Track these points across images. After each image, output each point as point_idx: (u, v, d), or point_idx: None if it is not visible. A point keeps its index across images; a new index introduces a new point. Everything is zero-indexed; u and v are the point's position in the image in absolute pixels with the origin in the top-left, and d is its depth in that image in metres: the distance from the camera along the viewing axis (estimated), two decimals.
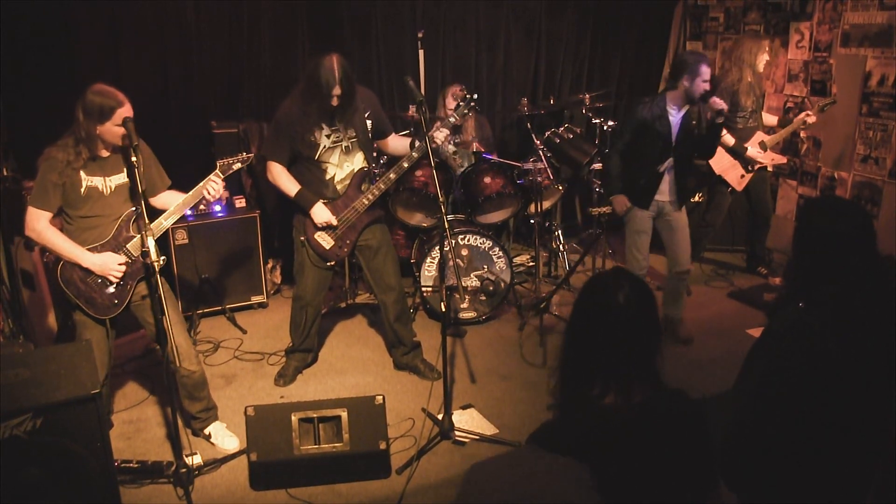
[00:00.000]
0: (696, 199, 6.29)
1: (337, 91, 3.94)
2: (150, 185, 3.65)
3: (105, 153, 3.49)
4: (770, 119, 5.96)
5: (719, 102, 4.39)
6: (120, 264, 3.51)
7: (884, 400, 2.19)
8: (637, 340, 1.88)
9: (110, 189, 3.52)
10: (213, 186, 3.62)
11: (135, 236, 3.57)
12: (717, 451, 1.93)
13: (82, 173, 3.43)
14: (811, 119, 5.66)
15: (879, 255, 2.33)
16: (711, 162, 5.66)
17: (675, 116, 4.54)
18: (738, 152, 5.63)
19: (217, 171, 3.68)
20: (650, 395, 1.87)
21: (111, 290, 3.55)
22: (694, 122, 4.53)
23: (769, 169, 5.94)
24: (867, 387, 2.17)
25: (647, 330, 1.90)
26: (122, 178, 3.57)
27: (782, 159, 6.07)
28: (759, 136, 5.72)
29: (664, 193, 4.72)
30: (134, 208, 3.59)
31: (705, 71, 4.37)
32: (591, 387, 1.86)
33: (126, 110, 3.37)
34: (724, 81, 5.55)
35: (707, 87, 4.39)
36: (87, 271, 3.47)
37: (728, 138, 5.56)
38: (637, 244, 4.84)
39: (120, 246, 3.54)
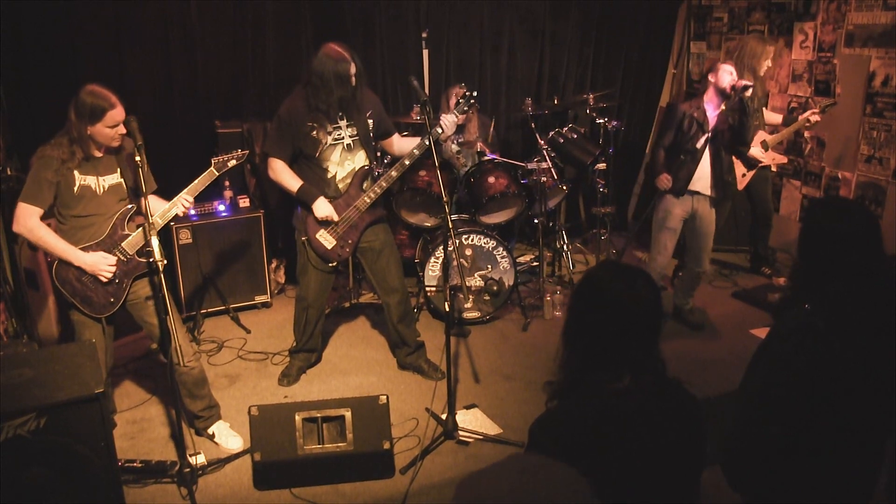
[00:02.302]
0: None
1: (353, 70, 3.98)
2: (138, 187, 3.65)
3: (98, 153, 3.50)
4: (775, 118, 5.94)
5: (743, 81, 4.64)
6: (111, 264, 3.51)
7: (888, 401, 2.19)
8: (650, 327, 1.90)
9: (104, 188, 3.52)
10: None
11: (130, 234, 3.57)
12: (709, 446, 1.94)
13: (76, 172, 3.43)
14: (815, 118, 5.65)
15: (885, 256, 2.32)
16: None
17: (711, 112, 4.78)
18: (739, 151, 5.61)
19: (211, 168, 3.69)
20: (656, 380, 1.89)
21: (107, 288, 3.55)
22: (729, 120, 4.72)
23: (773, 169, 5.93)
24: (871, 387, 2.17)
25: (658, 316, 1.92)
26: (115, 177, 3.57)
27: (783, 159, 6.07)
28: (762, 135, 5.71)
29: (701, 182, 4.82)
30: (129, 206, 3.60)
31: (725, 66, 4.74)
32: (600, 374, 1.87)
33: (118, 113, 3.37)
34: None
35: (733, 79, 4.66)
36: (82, 270, 3.47)
37: None
38: (665, 242, 4.97)
39: (115, 244, 3.55)
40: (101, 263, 3.49)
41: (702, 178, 4.81)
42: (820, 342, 2.14)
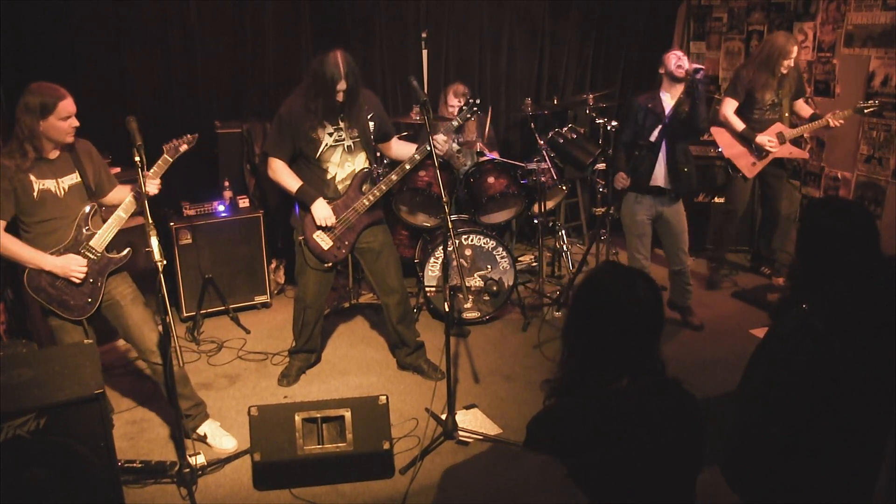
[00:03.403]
0: (716, 200, 6.35)
1: (342, 86, 3.93)
2: (99, 187, 3.66)
3: (54, 154, 3.45)
4: (806, 110, 5.71)
5: (695, 64, 4.58)
6: (80, 265, 3.48)
7: (888, 401, 2.19)
8: (650, 328, 1.90)
9: (64, 190, 3.48)
10: (156, 188, 3.61)
11: (95, 233, 3.54)
12: (708, 447, 1.95)
13: (32, 177, 3.37)
14: (833, 122, 5.49)
15: (883, 256, 2.33)
16: (721, 144, 5.63)
17: (667, 102, 4.77)
18: (746, 138, 5.53)
19: (164, 155, 3.62)
20: (655, 381, 1.89)
21: (82, 289, 3.53)
22: (685, 108, 4.68)
23: (789, 161, 5.81)
24: (871, 388, 2.17)
25: (658, 318, 1.93)
26: (74, 178, 3.53)
27: (803, 154, 5.97)
28: (778, 127, 5.53)
29: (660, 178, 4.80)
30: (91, 205, 3.57)
31: (672, 54, 4.72)
32: (598, 374, 1.87)
33: (69, 104, 3.34)
34: (744, 72, 5.49)
35: (684, 63, 4.62)
36: (54, 274, 3.44)
37: (737, 123, 5.50)
38: (637, 247, 5.00)
39: (82, 244, 3.52)
40: (71, 265, 3.46)
41: (659, 171, 4.79)
42: (820, 342, 2.14)
